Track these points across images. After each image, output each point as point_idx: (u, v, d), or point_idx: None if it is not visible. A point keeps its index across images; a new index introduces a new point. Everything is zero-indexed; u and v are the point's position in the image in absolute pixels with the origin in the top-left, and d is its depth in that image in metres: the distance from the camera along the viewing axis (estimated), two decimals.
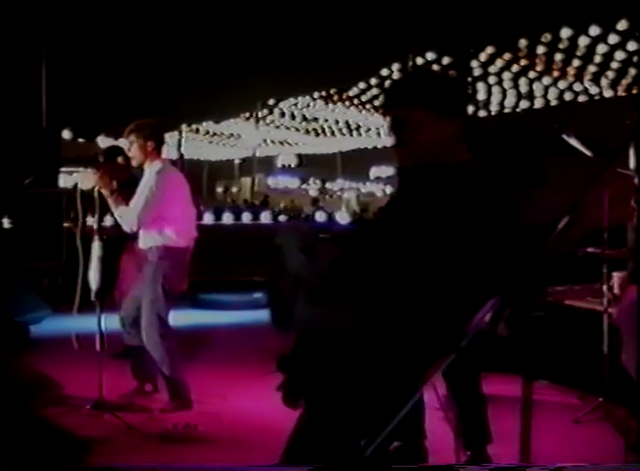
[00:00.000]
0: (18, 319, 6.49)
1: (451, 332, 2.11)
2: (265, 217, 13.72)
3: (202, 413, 4.97)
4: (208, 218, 13.19)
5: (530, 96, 13.10)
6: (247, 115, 18.01)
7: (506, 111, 13.15)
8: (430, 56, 13.68)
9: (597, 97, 11.95)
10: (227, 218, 13.39)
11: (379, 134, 19.21)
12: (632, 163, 3.98)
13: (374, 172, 24.86)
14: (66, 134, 12.67)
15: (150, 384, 5.34)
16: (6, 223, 9.34)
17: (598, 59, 11.73)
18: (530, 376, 1.86)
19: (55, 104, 11.75)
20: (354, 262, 2.36)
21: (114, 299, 6.09)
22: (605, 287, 4.91)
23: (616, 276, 5.02)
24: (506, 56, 12.86)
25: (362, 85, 15.23)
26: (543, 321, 5.59)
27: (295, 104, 17.62)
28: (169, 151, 14.42)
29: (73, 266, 4.96)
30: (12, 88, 11.41)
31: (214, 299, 9.70)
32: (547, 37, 11.92)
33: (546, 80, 12.84)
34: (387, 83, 14.20)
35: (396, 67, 13.76)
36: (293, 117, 18.47)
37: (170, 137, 15.09)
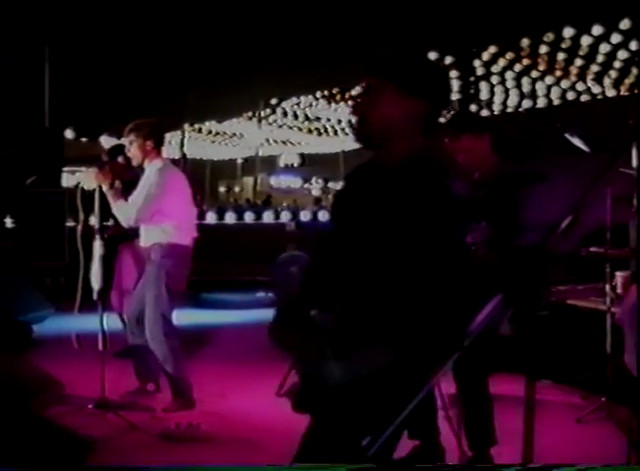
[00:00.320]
0: (20, 318, 6.50)
1: (439, 330, 2.10)
2: (268, 216, 13.73)
3: (205, 412, 4.98)
4: (211, 217, 13.20)
5: (533, 96, 13.08)
6: (250, 114, 18.01)
7: (509, 110, 13.13)
8: (432, 55, 13.66)
9: (599, 97, 11.92)
10: (229, 217, 13.40)
11: None
12: (635, 162, 3.98)
13: None
14: (68, 134, 12.68)
15: (152, 383, 5.34)
16: (9, 222, 9.35)
17: (600, 58, 11.70)
18: (533, 375, 1.85)
19: (58, 103, 11.75)
20: (324, 263, 2.36)
21: (115, 297, 6.10)
22: (607, 287, 4.91)
23: (619, 275, 5.03)
24: (509, 55, 12.84)
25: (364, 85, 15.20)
26: (546, 320, 5.59)
27: (298, 103, 17.61)
28: (171, 151, 14.46)
29: (75, 265, 4.97)
30: (14, 88, 11.41)
31: (217, 299, 9.71)
32: (549, 37, 11.90)
33: (548, 80, 12.81)
34: None
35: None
36: (295, 116, 18.46)
37: (172, 137, 15.10)
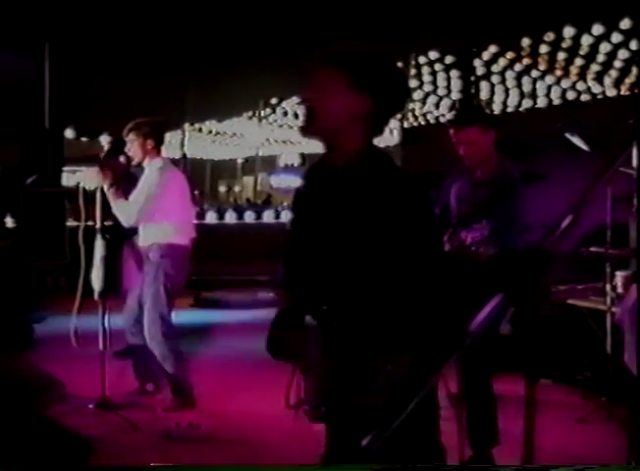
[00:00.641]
0: (21, 318, 6.50)
1: (422, 326, 2.09)
2: (268, 216, 13.74)
3: (205, 412, 4.98)
4: (211, 217, 13.21)
5: (533, 95, 13.08)
6: (250, 114, 18.02)
7: (509, 110, 13.13)
8: (433, 55, 13.67)
9: (600, 96, 11.92)
10: (230, 217, 13.42)
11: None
12: (635, 162, 3.98)
13: None
14: (69, 133, 12.67)
15: (152, 383, 5.34)
16: (9, 222, 9.35)
17: (601, 58, 11.70)
18: (534, 375, 1.85)
19: (58, 103, 11.76)
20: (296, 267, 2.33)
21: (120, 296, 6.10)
22: (608, 287, 4.91)
23: (620, 275, 5.03)
24: (509, 55, 12.84)
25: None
26: (546, 320, 5.60)
27: (298, 103, 17.61)
28: (171, 151, 14.45)
29: (76, 265, 4.97)
30: (15, 87, 11.42)
31: (217, 298, 9.71)
32: (550, 36, 11.90)
33: (549, 79, 12.81)
34: None
35: (401, 69, 13.74)
36: (295, 116, 18.45)
37: (172, 137, 15.10)
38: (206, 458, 4.19)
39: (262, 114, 17.85)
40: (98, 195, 4.82)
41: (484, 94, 13.32)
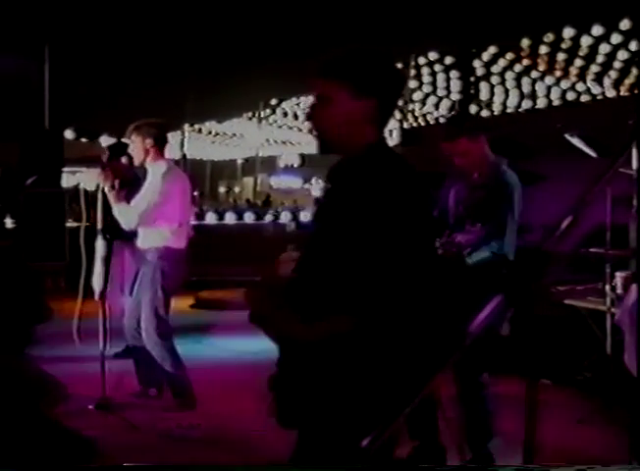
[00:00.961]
0: (22, 318, 6.50)
1: (423, 325, 2.10)
2: (268, 217, 13.74)
3: (205, 413, 4.98)
4: (211, 218, 13.21)
5: (533, 96, 13.10)
6: (250, 115, 18.05)
7: (509, 111, 13.14)
8: (432, 56, 13.69)
9: (599, 97, 11.93)
10: (229, 218, 13.41)
11: None
12: (635, 162, 3.98)
13: None
14: (68, 134, 12.68)
15: (154, 388, 5.33)
16: (9, 222, 9.35)
17: (600, 59, 11.72)
18: (533, 376, 1.85)
19: (58, 104, 11.76)
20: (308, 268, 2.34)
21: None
22: (607, 287, 4.91)
23: (619, 276, 5.03)
24: (509, 56, 12.86)
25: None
26: (546, 321, 5.60)
27: (298, 104, 17.63)
28: (171, 151, 14.45)
29: (76, 265, 4.97)
30: (15, 88, 11.42)
31: (217, 298, 9.71)
32: (549, 37, 11.92)
33: (548, 80, 12.83)
34: None
35: (398, 66, 13.75)
36: (295, 116, 18.47)
37: (172, 137, 15.10)
38: (207, 458, 4.19)
39: (262, 115, 17.87)
40: (99, 196, 4.82)
41: (484, 95, 13.33)
